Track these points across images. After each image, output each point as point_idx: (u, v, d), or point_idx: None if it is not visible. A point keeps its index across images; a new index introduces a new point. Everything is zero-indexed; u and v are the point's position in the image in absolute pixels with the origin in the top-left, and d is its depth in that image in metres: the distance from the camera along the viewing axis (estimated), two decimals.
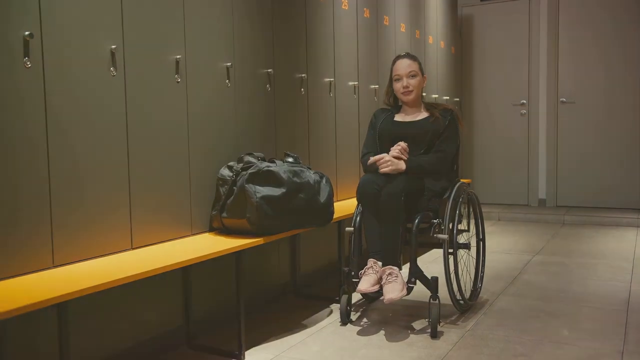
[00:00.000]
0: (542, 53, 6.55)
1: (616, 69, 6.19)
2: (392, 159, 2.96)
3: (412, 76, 3.12)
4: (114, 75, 2.33)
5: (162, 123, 2.58)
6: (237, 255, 2.58)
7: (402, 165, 2.96)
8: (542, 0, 6.52)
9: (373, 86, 4.41)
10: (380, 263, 2.87)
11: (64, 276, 2.01)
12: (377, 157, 3.00)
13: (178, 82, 2.65)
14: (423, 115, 3.14)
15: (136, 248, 2.45)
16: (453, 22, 6.31)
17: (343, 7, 4.00)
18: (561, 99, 6.48)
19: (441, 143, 3.05)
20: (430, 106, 3.18)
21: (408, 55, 3.20)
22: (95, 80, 2.26)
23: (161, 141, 2.57)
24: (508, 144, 6.77)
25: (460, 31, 6.81)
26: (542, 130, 6.60)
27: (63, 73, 2.13)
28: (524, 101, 6.69)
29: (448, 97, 5.96)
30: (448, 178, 3.14)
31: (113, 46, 2.31)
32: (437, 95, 5.60)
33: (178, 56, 2.63)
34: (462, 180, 3.23)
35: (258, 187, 2.64)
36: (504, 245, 4.91)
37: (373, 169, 3.02)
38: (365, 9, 4.29)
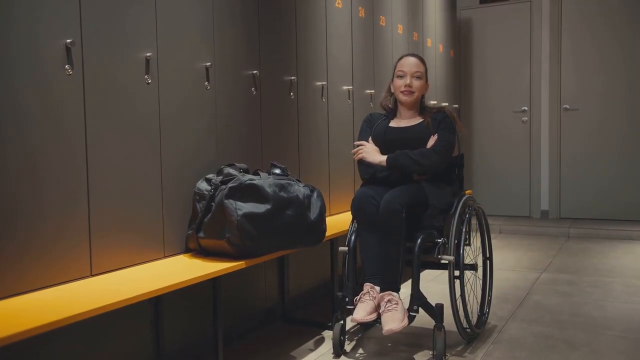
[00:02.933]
0: (544, 58, 6.27)
1: (621, 74, 5.91)
2: (370, 149, 2.79)
3: (417, 77, 2.85)
4: (70, 74, 2.00)
5: (129, 130, 2.25)
6: (214, 282, 2.26)
7: (380, 157, 2.75)
8: (543, 4, 6.25)
9: (368, 91, 4.10)
10: (378, 288, 2.55)
11: None
12: (358, 143, 2.85)
13: (148, 83, 2.32)
14: (418, 120, 2.89)
15: (97, 275, 2.12)
16: (452, 25, 6.01)
17: (337, 5, 3.70)
18: (564, 106, 6.19)
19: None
20: (423, 110, 2.94)
21: (417, 56, 2.94)
22: (46, 79, 1.93)
23: (128, 150, 2.24)
24: (509, 153, 6.48)
25: (459, 35, 6.53)
26: (544, 138, 6.31)
27: (6, 71, 1.80)
28: (526, 108, 6.40)
29: (447, 104, 5.66)
30: (453, 192, 2.84)
31: (68, 40, 1.98)
32: (435, 102, 5.30)
33: (148, 54, 2.31)
34: (466, 193, 2.93)
35: (239, 203, 2.31)
36: (508, 261, 4.59)
37: (371, 171, 2.77)
38: (360, 8, 3.98)
